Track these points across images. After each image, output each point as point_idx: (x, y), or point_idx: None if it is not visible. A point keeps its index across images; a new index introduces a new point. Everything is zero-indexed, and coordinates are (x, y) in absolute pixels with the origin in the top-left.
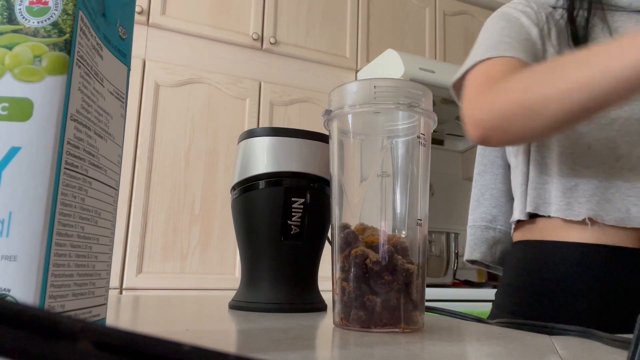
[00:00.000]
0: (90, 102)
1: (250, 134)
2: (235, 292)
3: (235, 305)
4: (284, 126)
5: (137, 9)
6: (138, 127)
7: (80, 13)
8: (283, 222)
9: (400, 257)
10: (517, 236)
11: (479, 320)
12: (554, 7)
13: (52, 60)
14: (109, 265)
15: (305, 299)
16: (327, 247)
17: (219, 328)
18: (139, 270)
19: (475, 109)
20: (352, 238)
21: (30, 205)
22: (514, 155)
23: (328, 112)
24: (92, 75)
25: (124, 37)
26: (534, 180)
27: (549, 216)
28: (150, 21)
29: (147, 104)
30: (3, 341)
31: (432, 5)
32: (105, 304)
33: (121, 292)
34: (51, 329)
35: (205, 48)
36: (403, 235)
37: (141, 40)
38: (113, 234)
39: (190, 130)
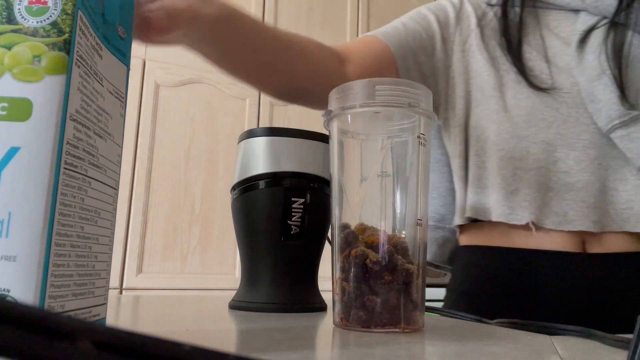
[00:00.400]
0: (90, 102)
1: (250, 134)
2: (235, 292)
3: (235, 305)
4: (284, 126)
5: None
6: (138, 127)
7: (80, 13)
8: (283, 222)
9: (400, 257)
10: (464, 240)
11: (479, 320)
12: (490, 5)
13: (52, 60)
14: (109, 265)
15: (305, 299)
16: (327, 247)
17: (219, 328)
18: (139, 270)
19: None
20: (352, 238)
21: (29, 205)
22: (452, 157)
23: (328, 112)
24: (92, 74)
25: (123, 36)
26: (474, 184)
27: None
28: None
29: (147, 104)
30: (3, 341)
31: None
32: (105, 304)
33: (121, 292)
34: (51, 329)
35: None
36: (403, 235)
37: None
38: (113, 233)
39: (190, 130)
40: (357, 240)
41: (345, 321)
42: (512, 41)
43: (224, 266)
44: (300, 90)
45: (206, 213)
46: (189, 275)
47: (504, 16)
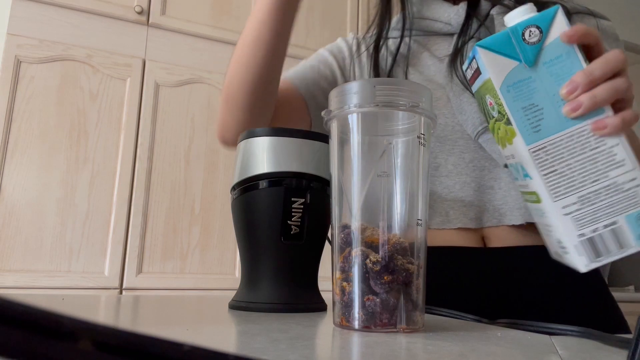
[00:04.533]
0: None
1: (251, 133)
2: (235, 292)
3: (235, 305)
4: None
5: (137, 9)
6: (138, 127)
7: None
8: (283, 222)
9: (400, 257)
10: None
11: (479, 320)
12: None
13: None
14: None
15: (305, 299)
16: (327, 247)
17: (219, 328)
18: (139, 270)
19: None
20: (352, 238)
21: None
22: None
23: (328, 112)
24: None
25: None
26: None
27: None
28: (150, 21)
29: (147, 104)
30: (4, 341)
31: None
32: None
33: (121, 292)
34: (51, 329)
35: (205, 48)
36: (403, 236)
37: (141, 40)
38: None
39: (190, 130)
40: (357, 240)
41: (345, 321)
42: (378, 67)
43: (224, 266)
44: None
45: (206, 213)
46: (189, 275)
47: (375, 50)
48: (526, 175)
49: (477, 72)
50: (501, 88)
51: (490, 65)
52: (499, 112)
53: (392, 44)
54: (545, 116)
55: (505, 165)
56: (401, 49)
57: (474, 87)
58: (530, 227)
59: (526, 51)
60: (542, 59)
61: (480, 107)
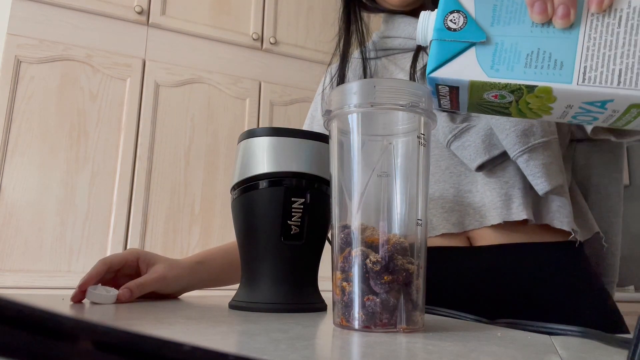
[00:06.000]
0: None
1: (251, 134)
2: (235, 292)
3: (235, 305)
4: (284, 126)
5: (137, 9)
6: (138, 127)
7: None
8: (283, 222)
9: (400, 257)
10: None
11: (478, 320)
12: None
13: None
14: None
15: (305, 299)
16: (327, 247)
17: (219, 328)
18: None
19: None
20: (352, 238)
21: None
22: None
23: (328, 112)
24: None
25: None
26: None
27: None
28: (150, 21)
29: (147, 104)
30: (4, 341)
31: None
32: None
33: None
34: (51, 329)
35: (205, 48)
36: (403, 236)
37: (141, 40)
38: None
39: (190, 130)
40: (357, 240)
41: (345, 321)
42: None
43: None
44: None
45: (206, 213)
46: None
47: (340, 77)
48: (605, 103)
49: (454, 90)
50: (489, 74)
51: (458, 73)
52: (513, 91)
53: (359, 66)
54: (552, 50)
55: (478, 169)
56: (372, 68)
57: (462, 107)
58: (508, 226)
59: (467, 34)
60: (485, 24)
61: (487, 112)
